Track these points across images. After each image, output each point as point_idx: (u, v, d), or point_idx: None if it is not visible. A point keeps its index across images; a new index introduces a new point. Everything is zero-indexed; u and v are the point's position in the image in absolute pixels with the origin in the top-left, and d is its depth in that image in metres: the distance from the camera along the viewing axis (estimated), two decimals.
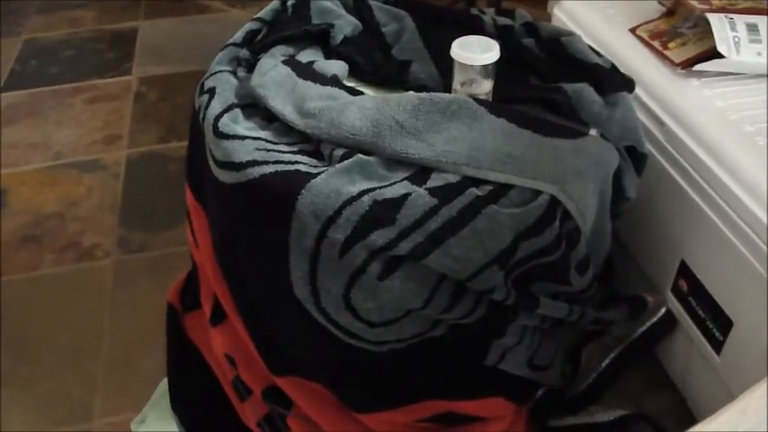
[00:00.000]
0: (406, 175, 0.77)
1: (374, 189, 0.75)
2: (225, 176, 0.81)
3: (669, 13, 1.15)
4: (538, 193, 0.76)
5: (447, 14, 1.05)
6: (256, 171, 0.77)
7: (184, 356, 1.12)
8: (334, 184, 0.74)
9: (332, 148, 0.80)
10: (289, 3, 1.04)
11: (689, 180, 0.94)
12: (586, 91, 0.87)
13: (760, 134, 0.91)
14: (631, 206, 0.97)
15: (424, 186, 0.75)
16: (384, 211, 0.73)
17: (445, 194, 0.75)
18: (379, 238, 0.73)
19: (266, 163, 0.78)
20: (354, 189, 0.74)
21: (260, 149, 0.80)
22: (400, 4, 1.07)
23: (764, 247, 0.82)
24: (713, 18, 1.00)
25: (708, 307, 0.94)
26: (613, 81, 0.91)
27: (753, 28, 1.01)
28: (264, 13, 1.04)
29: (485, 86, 0.88)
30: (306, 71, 0.90)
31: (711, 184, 0.90)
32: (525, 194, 0.76)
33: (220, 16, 2.37)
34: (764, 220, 0.82)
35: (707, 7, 1.05)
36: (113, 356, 1.19)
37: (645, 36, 1.12)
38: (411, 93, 0.83)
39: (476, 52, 0.86)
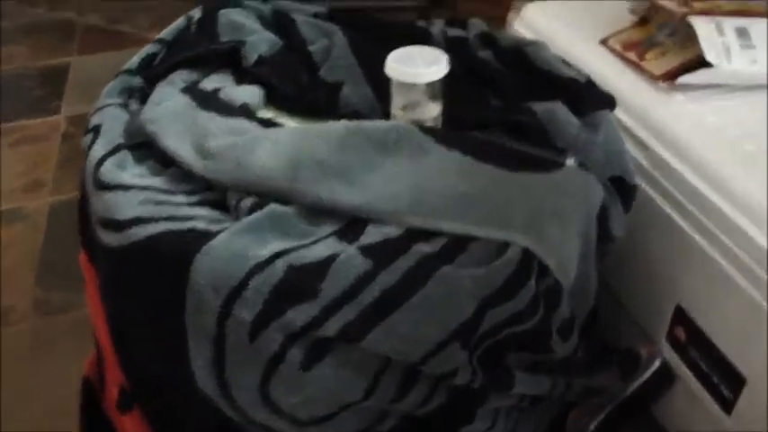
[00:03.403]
0: (333, 229, 0.69)
1: (290, 251, 0.65)
2: (107, 238, 0.72)
3: (642, 21, 1.10)
4: (506, 245, 0.68)
5: (386, 27, 0.99)
6: (141, 231, 0.68)
7: None
8: (237, 245, 0.65)
9: (239, 198, 0.72)
10: (195, 19, 0.96)
11: (682, 211, 0.88)
12: (560, 110, 0.81)
13: (764, 153, 0.85)
14: (617, 244, 0.90)
15: (355, 244, 0.67)
16: (303, 281, 0.64)
17: (383, 254, 0.66)
18: (298, 316, 0.64)
19: (154, 220, 0.69)
20: (264, 251, 0.65)
21: (147, 203, 0.72)
22: (334, 20, 0.98)
23: None
24: (698, 22, 0.94)
25: (712, 360, 0.87)
26: (592, 97, 0.85)
27: (743, 32, 0.95)
28: (166, 32, 0.97)
29: (431, 110, 0.80)
30: (209, 100, 0.83)
31: (709, 214, 0.84)
32: (490, 248, 0.68)
33: None
34: None
35: (687, 11, 0.99)
36: None
37: (618, 47, 1.06)
38: (339, 122, 0.75)
39: (418, 66, 0.77)
